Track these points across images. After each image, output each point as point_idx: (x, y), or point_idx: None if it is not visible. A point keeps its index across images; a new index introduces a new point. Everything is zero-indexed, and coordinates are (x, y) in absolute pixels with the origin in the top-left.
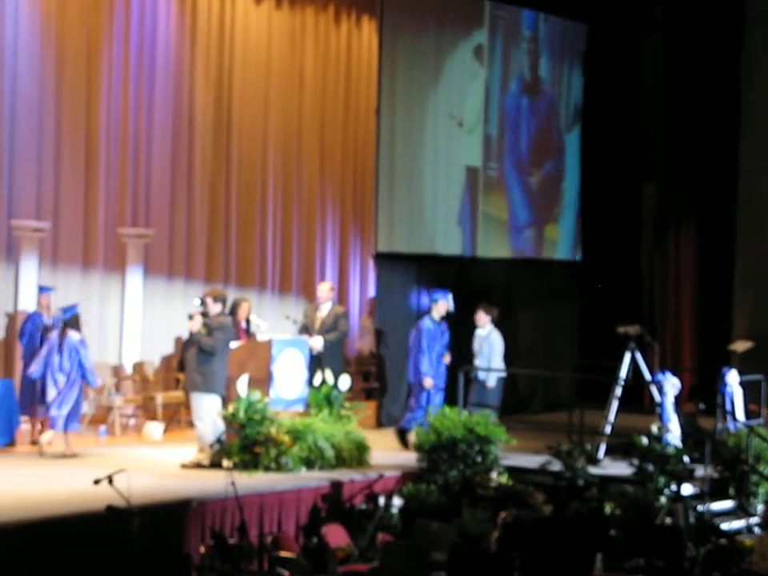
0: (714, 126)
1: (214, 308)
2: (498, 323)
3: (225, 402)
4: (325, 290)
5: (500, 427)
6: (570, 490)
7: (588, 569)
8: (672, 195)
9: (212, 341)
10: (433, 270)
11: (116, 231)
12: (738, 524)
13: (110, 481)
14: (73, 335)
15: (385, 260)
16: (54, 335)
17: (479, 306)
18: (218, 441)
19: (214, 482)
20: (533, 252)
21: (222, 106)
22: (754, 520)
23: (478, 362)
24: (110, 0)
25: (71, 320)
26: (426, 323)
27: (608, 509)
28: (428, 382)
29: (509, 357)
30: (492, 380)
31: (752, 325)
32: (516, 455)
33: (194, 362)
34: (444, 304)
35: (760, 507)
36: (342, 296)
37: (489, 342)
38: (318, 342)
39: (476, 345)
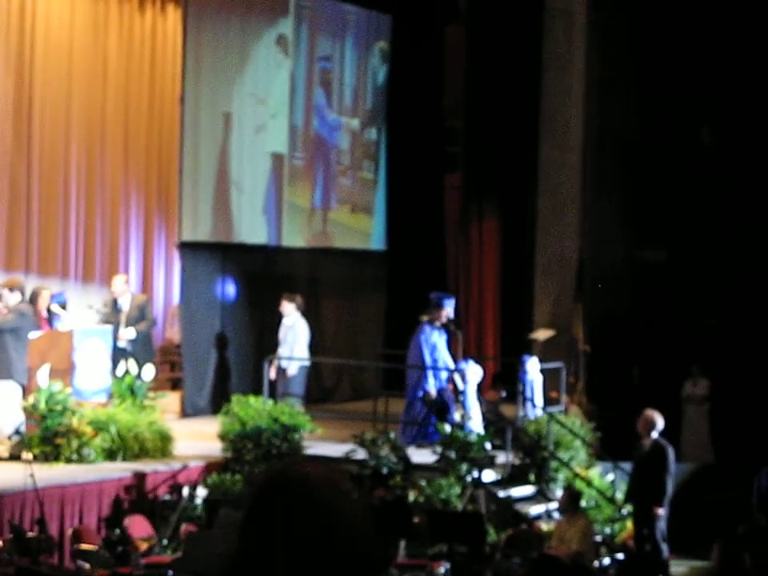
0: (515, 117)
1: (12, 298)
2: (304, 312)
3: (25, 392)
4: (119, 283)
5: (305, 416)
6: (375, 478)
7: (392, 556)
8: (475, 186)
9: (1, 318)
10: (238, 260)
11: None
12: (537, 509)
13: None
14: None
15: (189, 249)
16: None
17: (282, 295)
18: (17, 432)
19: (13, 475)
20: (338, 242)
21: (23, 93)
22: (553, 505)
23: (282, 350)
24: None
25: None
26: (426, 331)
27: (412, 496)
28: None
29: (314, 346)
30: (293, 368)
31: (553, 313)
32: (321, 444)
33: None
34: (445, 311)
35: (559, 492)
36: (146, 285)
37: (293, 331)
38: (130, 334)
39: (281, 333)
